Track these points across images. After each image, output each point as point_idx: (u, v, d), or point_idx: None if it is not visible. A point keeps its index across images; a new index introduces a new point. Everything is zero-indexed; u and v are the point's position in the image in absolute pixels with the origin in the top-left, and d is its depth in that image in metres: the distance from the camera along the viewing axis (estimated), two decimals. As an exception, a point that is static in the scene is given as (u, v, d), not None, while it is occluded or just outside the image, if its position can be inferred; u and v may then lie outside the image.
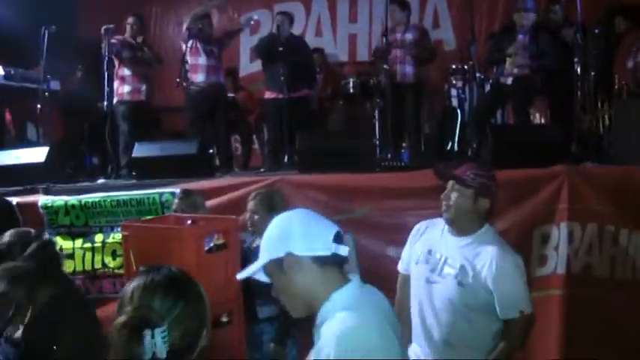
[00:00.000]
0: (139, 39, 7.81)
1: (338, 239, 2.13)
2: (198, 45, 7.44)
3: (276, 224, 2.20)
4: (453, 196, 3.27)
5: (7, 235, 3.37)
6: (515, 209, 4.93)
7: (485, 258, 3.20)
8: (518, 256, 3.29)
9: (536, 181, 5.03)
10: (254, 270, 2.20)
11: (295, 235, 2.12)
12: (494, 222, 4.89)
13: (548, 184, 4.96)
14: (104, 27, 7.16)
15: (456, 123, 7.91)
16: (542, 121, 7.71)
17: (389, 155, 6.51)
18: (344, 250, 2.13)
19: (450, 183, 3.33)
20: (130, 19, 7.84)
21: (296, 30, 8.73)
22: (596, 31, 7.16)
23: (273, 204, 4.33)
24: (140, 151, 6.28)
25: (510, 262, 3.21)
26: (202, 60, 7.41)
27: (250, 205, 4.42)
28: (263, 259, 2.17)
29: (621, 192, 4.89)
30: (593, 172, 5.18)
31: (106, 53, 7.09)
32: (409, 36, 7.35)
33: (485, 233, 3.32)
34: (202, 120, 7.43)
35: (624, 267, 4.86)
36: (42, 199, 5.78)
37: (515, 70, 6.88)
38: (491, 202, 3.30)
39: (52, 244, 3.69)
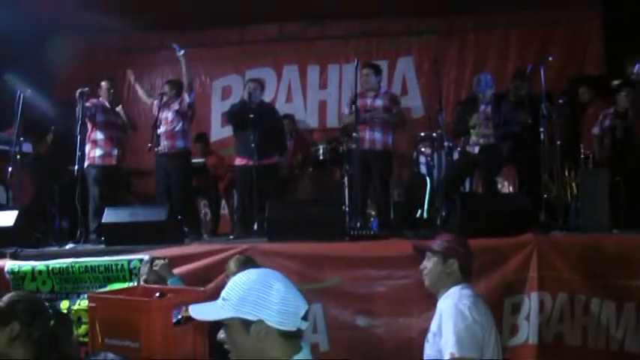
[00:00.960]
0: (118, 107, 7.83)
1: (305, 316, 2.27)
2: (167, 112, 7.54)
3: (256, 283, 2.24)
4: (427, 265, 3.64)
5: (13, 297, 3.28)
6: (484, 278, 4.93)
7: (439, 312, 3.48)
8: (466, 304, 3.38)
9: (505, 250, 5.04)
10: (214, 316, 2.25)
11: (272, 306, 2.21)
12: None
13: (518, 253, 4.98)
14: (79, 90, 7.17)
15: (425, 190, 7.95)
16: (511, 189, 7.78)
17: (358, 224, 6.47)
18: (305, 325, 2.27)
19: (426, 254, 3.67)
20: (104, 84, 7.88)
21: (267, 95, 8.82)
22: (561, 101, 7.31)
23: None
24: (110, 216, 6.19)
25: (451, 307, 3.40)
26: (167, 126, 7.50)
27: (231, 267, 4.36)
28: (231, 311, 2.22)
29: (591, 261, 4.93)
30: (563, 240, 5.21)
31: (80, 116, 7.07)
32: (379, 102, 7.37)
33: (452, 291, 3.54)
34: (170, 185, 7.45)
35: (597, 337, 4.87)
36: (9, 264, 5.65)
37: (481, 140, 6.99)
38: (460, 262, 3.60)
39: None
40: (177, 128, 7.55)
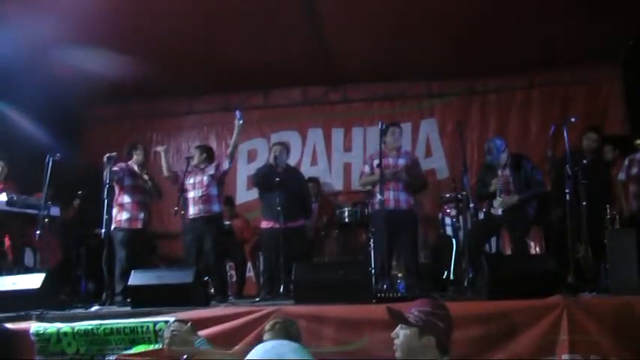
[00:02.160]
0: (143, 172, 7.95)
1: None
2: (202, 176, 7.65)
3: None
4: (401, 334, 3.26)
5: None
6: (513, 341, 4.88)
7: None
8: None
9: (533, 312, 4.99)
10: None
11: None
12: (493, 352, 4.88)
13: (547, 315, 4.92)
14: (107, 155, 7.28)
15: (451, 252, 7.90)
16: (537, 250, 7.72)
17: (385, 286, 6.44)
18: None
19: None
20: (137, 148, 8.04)
21: (292, 159, 8.88)
22: (585, 161, 7.29)
23: (290, 334, 4.30)
24: (137, 278, 6.23)
25: None
26: (202, 190, 7.56)
27: (267, 335, 4.35)
28: None
29: (623, 324, 4.85)
30: (593, 303, 5.12)
31: (107, 181, 7.17)
32: (402, 161, 7.40)
33: None
34: (202, 248, 7.48)
35: (629, 400, 4.75)
36: (34, 326, 5.70)
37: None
38: (437, 339, 3.21)
39: None
40: (213, 192, 7.61)
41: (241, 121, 7.54)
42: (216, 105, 10.76)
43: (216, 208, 7.60)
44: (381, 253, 6.93)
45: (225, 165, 7.68)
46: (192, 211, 7.48)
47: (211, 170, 7.68)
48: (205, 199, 7.53)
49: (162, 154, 7.90)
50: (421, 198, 8.29)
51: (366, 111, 10.46)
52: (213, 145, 10.15)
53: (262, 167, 7.86)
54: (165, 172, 7.90)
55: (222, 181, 7.74)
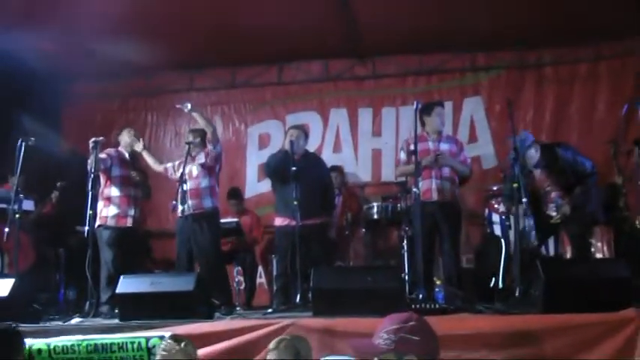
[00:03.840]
0: (135, 161, 7.95)
1: None
2: (192, 165, 7.65)
3: None
4: None
5: None
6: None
7: None
8: None
9: (600, 329, 4.87)
10: None
11: None
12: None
13: (617, 333, 4.81)
14: (93, 139, 7.24)
15: (500, 255, 7.79)
16: (605, 253, 7.60)
17: (421, 295, 6.36)
18: None
19: None
20: (127, 131, 8.02)
21: (311, 144, 8.86)
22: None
23: (299, 353, 4.27)
24: (126, 286, 6.19)
25: None
26: (192, 182, 7.57)
27: (271, 355, 4.30)
28: None
29: None
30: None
31: (92, 170, 7.12)
32: (445, 146, 7.43)
33: None
34: (195, 251, 7.50)
35: None
36: (0, 343, 5.65)
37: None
38: (417, 355, 3.12)
39: None
40: (204, 185, 7.58)
41: (189, 106, 7.64)
42: (222, 81, 10.78)
43: (207, 203, 7.57)
44: (417, 256, 6.84)
45: (212, 150, 7.65)
46: (181, 207, 7.42)
47: (201, 159, 7.68)
48: (194, 192, 7.53)
49: (140, 148, 7.95)
50: (463, 191, 8.19)
51: (399, 88, 10.41)
52: (219, 127, 10.13)
53: (276, 154, 7.80)
54: (157, 166, 7.91)
55: (213, 169, 7.72)
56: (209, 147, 7.69)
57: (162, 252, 9.75)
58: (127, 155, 7.90)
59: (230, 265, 8.72)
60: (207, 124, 7.75)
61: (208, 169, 7.64)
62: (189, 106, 7.60)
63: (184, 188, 7.40)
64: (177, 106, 7.74)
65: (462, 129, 9.98)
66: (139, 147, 7.93)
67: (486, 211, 8.49)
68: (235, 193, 9.58)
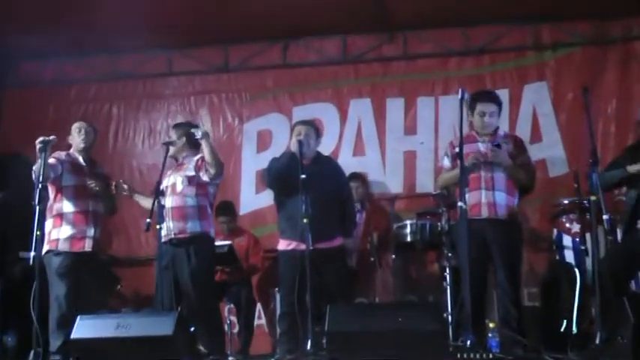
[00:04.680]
0: (93, 168, 7.90)
1: None
2: (176, 175, 7.58)
3: None
4: None
5: None
6: None
7: None
8: None
9: None
10: None
11: None
12: None
13: None
14: (40, 139, 7.20)
15: (573, 290, 7.74)
16: None
17: (468, 341, 6.26)
18: None
19: None
20: (78, 127, 7.94)
21: (326, 145, 8.82)
22: None
23: None
24: (84, 329, 6.18)
25: None
26: (175, 199, 7.49)
27: None
28: None
29: None
30: None
31: (40, 178, 7.05)
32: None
33: None
34: (170, 284, 7.42)
35: None
36: None
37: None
38: None
39: None
40: (191, 204, 7.50)
41: (200, 133, 7.33)
42: (210, 63, 10.84)
43: (195, 226, 7.47)
44: (464, 291, 6.77)
45: (211, 181, 7.53)
46: (163, 230, 7.36)
47: (189, 170, 7.56)
48: (178, 212, 7.43)
49: (126, 190, 7.91)
50: (524, 205, 8.14)
51: (438, 72, 10.41)
52: (207, 124, 10.09)
53: (280, 158, 7.76)
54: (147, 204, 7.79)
55: (206, 188, 7.62)
56: (204, 174, 7.50)
57: (132, 285, 9.75)
58: (80, 159, 7.84)
59: (220, 302, 8.66)
60: (214, 162, 7.35)
61: (199, 186, 7.56)
62: (199, 133, 7.32)
63: (162, 202, 7.34)
64: (192, 131, 7.49)
65: (522, 125, 9.91)
66: (126, 190, 7.89)
67: (555, 231, 8.44)
68: (226, 209, 9.54)
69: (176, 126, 8.07)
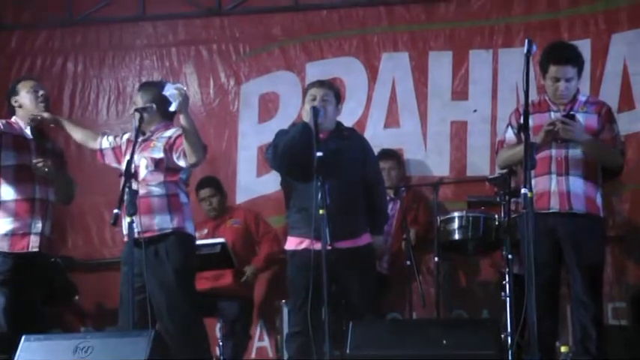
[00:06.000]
0: (43, 141, 7.95)
1: None
2: (140, 156, 7.48)
3: None
4: None
5: None
6: None
7: None
8: None
9: None
10: None
11: None
12: None
13: None
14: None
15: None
16: None
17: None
18: None
19: None
20: (26, 85, 7.96)
21: (349, 113, 8.94)
22: None
23: None
24: (30, 353, 6.24)
25: None
26: (140, 187, 7.31)
27: None
28: None
29: None
30: None
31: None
32: (581, 118, 7.41)
33: None
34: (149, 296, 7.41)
35: None
36: None
37: None
38: None
39: None
40: (158, 192, 7.47)
41: (176, 101, 7.10)
42: (198, 2, 10.83)
43: (164, 221, 7.44)
44: (529, 305, 6.81)
45: (182, 163, 7.44)
46: (128, 220, 7.09)
47: (157, 150, 7.47)
48: (143, 204, 7.28)
49: (65, 125, 7.95)
50: (609, 193, 8.18)
51: (496, 18, 10.39)
52: (193, 83, 10.22)
53: (289, 131, 7.80)
54: (92, 142, 7.86)
55: (177, 173, 7.59)
56: (173, 131, 7.55)
57: (94, 295, 9.86)
58: (27, 130, 7.88)
59: (209, 317, 8.74)
60: (194, 147, 7.25)
61: (168, 171, 7.53)
62: (176, 102, 7.05)
63: (134, 187, 7.30)
64: (164, 93, 7.46)
65: (608, 88, 9.88)
66: (64, 124, 7.93)
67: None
68: (210, 182, 9.70)
69: (143, 87, 8.00)
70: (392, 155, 9.44)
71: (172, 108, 7.06)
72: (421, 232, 9.16)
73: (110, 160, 7.74)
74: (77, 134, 7.94)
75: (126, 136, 7.77)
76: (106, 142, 7.83)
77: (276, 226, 9.30)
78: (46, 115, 7.76)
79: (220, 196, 9.69)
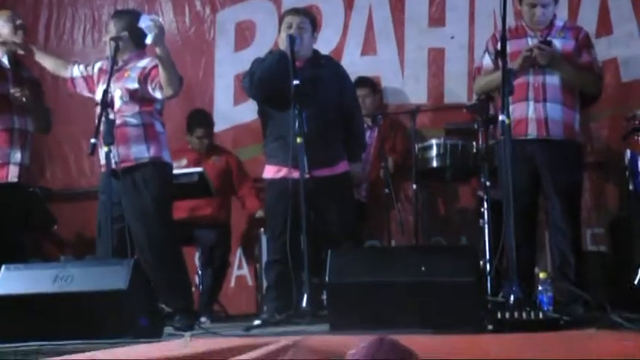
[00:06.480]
0: (19, 69, 7.93)
1: None
2: (115, 85, 7.46)
3: None
4: None
5: None
6: None
7: None
8: None
9: None
10: None
11: None
12: None
13: None
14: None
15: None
16: None
17: (512, 297, 6.30)
18: None
19: None
20: (12, 15, 8.00)
21: (326, 41, 8.98)
22: None
23: None
24: (10, 282, 6.26)
25: None
26: (116, 117, 7.29)
27: None
28: None
29: None
30: None
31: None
32: (557, 44, 7.44)
33: None
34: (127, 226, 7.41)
35: None
36: None
37: None
38: None
39: None
40: (134, 122, 7.50)
41: (151, 29, 7.06)
42: None
43: (141, 151, 7.48)
44: (507, 231, 6.83)
45: (159, 95, 7.47)
46: (105, 149, 7.13)
47: (132, 80, 7.49)
48: (122, 135, 7.36)
49: (37, 54, 7.97)
50: (587, 119, 8.19)
51: None
52: (168, 12, 10.12)
53: (265, 58, 7.79)
54: (63, 70, 7.86)
55: (151, 103, 7.60)
56: (148, 60, 7.55)
57: (73, 225, 9.90)
58: (4, 59, 7.89)
59: (187, 246, 8.80)
60: (170, 79, 7.28)
61: (142, 100, 7.53)
62: (151, 35, 7.04)
63: (110, 116, 7.30)
64: (140, 25, 7.38)
65: (586, 13, 9.78)
66: (34, 49, 7.91)
67: (628, 153, 8.44)
68: (204, 118, 9.69)
69: (117, 15, 8.01)
70: (366, 82, 9.40)
71: (148, 41, 7.07)
72: (399, 160, 9.17)
73: (81, 88, 7.80)
74: (48, 63, 8.01)
75: (97, 65, 7.80)
76: (77, 71, 7.87)
77: (253, 155, 9.25)
78: (18, 41, 7.74)
79: (211, 135, 9.69)
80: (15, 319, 6.10)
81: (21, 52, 7.89)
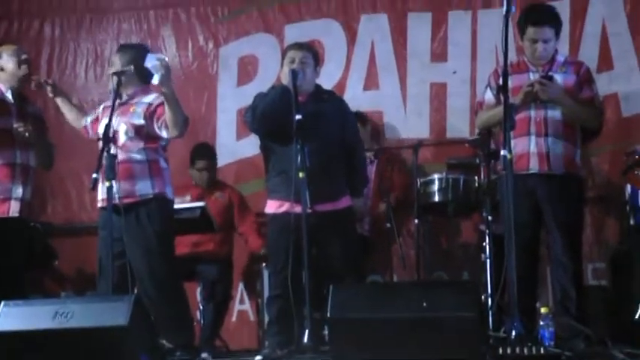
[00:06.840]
0: (23, 104, 7.92)
1: None
2: (120, 120, 7.45)
3: None
4: None
5: None
6: None
7: None
8: None
9: None
10: None
11: None
12: None
13: None
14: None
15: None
16: None
17: (514, 332, 6.32)
18: None
19: None
20: (18, 50, 8.01)
21: (328, 76, 8.98)
22: None
23: None
24: (10, 319, 6.19)
25: None
26: (120, 152, 7.27)
27: None
28: None
29: None
30: None
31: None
32: (558, 78, 7.45)
33: None
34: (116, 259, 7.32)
35: None
36: None
37: None
38: None
39: None
40: (139, 158, 7.47)
41: (157, 69, 7.02)
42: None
43: (146, 187, 7.45)
44: (508, 266, 6.82)
45: (165, 134, 7.43)
46: (107, 184, 7.03)
47: (137, 116, 7.46)
48: (123, 169, 7.29)
49: (58, 102, 7.96)
50: (588, 154, 8.20)
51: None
52: (171, 47, 10.16)
53: (268, 93, 7.79)
54: (78, 121, 7.90)
55: (157, 140, 7.55)
56: (154, 97, 7.51)
57: (74, 260, 9.87)
58: (8, 94, 7.88)
59: (189, 282, 8.79)
60: (176, 119, 7.26)
61: (147, 136, 7.49)
62: (158, 75, 6.97)
63: (112, 151, 7.26)
64: (146, 64, 7.36)
65: (587, 48, 9.85)
66: (48, 89, 7.91)
67: (629, 188, 8.45)
68: (207, 151, 9.67)
69: (122, 49, 7.95)
70: (365, 119, 9.39)
71: (155, 81, 7.02)
72: (400, 195, 9.18)
73: (92, 133, 7.77)
74: (69, 114, 8.01)
75: (102, 105, 7.81)
76: (88, 119, 7.91)
77: (255, 190, 9.24)
78: (50, 83, 7.89)
79: (214, 168, 9.67)
80: (14, 356, 6.08)
81: (51, 94, 7.93)
